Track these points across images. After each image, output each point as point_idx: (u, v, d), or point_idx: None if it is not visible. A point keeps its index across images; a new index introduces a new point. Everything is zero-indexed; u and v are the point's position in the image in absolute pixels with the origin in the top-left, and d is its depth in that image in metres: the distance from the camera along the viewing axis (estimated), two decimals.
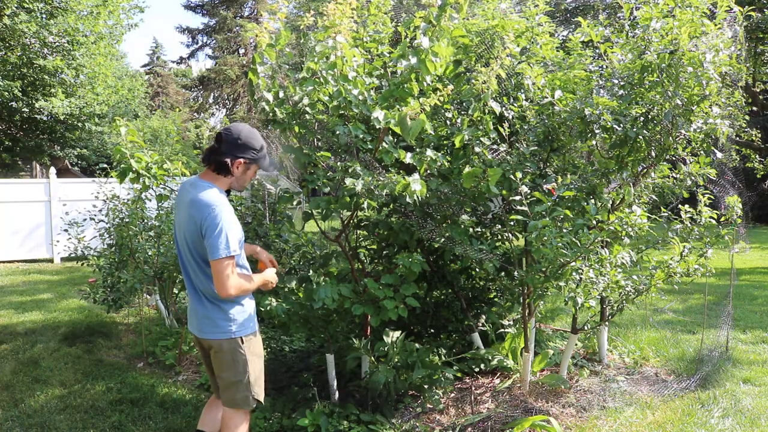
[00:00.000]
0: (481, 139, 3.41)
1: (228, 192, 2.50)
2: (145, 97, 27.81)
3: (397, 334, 3.77)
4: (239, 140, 2.40)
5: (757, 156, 14.75)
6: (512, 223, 3.63)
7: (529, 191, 3.26)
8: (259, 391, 2.55)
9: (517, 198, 3.28)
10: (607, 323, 4.45)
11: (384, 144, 3.07)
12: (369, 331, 3.78)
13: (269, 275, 2.65)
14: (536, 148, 3.60)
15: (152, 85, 37.99)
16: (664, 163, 3.88)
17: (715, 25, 3.37)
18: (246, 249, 2.84)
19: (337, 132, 3.01)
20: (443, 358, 4.02)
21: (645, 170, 3.71)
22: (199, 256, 2.40)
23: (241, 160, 2.42)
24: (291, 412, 3.52)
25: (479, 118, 3.41)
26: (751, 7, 3.93)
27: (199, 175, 2.51)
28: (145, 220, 5.02)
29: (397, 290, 3.46)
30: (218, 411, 2.70)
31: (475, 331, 4.34)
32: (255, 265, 2.83)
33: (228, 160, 2.39)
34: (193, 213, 2.35)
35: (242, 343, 2.46)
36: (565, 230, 3.15)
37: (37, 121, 14.67)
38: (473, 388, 3.95)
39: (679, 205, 3.84)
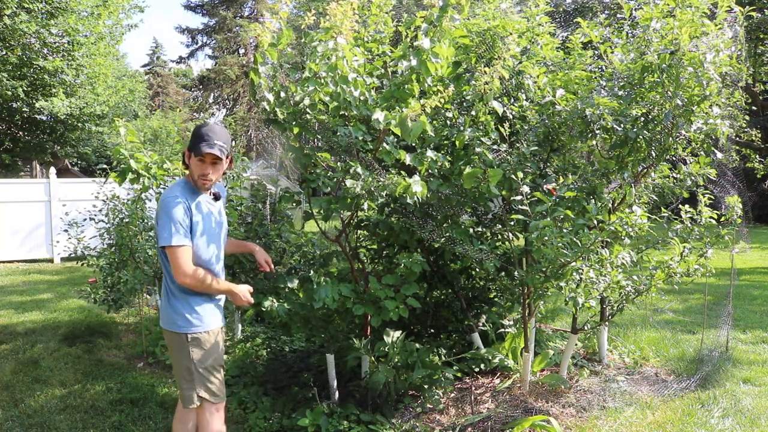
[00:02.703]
0: (482, 139, 3.41)
1: (217, 196, 2.66)
2: (145, 97, 27.82)
3: (398, 334, 3.77)
4: (191, 134, 2.60)
5: (757, 156, 14.76)
6: (512, 223, 3.64)
7: (529, 191, 3.26)
8: (204, 390, 2.57)
9: (518, 198, 3.28)
10: (607, 323, 4.45)
11: (384, 145, 3.07)
12: (369, 331, 3.78)
13: (240, 287, 2.66)
14: (536, 148, 3.60)
15: (152, 85, 38.00)
16: (665, 163, 3.88)
17: (716, 25, 3.36)
18: (241, 247, 3.02)
19: (338, 133, 3.01)
20: (443, 358, 4.02)
21: (645, 170, 3.71)
22: (159, 247, 2.53)
23: (187, 150, 2.57)
24: (291, 412, 3.52)
25: (481, 119, 3.41)
26: (751, 8, 3.93)
27: None
28: (145, 220, 5.02)
29: (398, 290, 3.46)
30: (190, 417, 2.73)
31: (475, 331, 4.34)
32: (253, 264, 2.86)
33: (184, 155, 2.59)
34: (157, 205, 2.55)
35: (188, 340, 2.52)
36: (565, 230, 3.15)
37: (37, 121, 14.67)
38: (473, 388, 3.95)
39: (680, 206, 3.84)
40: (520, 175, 3.30)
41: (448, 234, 3.57)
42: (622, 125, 3.34)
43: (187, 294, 2.53)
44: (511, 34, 3.55)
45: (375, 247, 4.28)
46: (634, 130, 3.35)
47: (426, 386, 3.67)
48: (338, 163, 3.15)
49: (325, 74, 2.86)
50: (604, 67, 3.85)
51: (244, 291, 2.67)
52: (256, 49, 2.86)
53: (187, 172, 2.60)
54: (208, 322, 2.58)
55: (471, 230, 3.94)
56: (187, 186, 2.55)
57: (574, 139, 3.59)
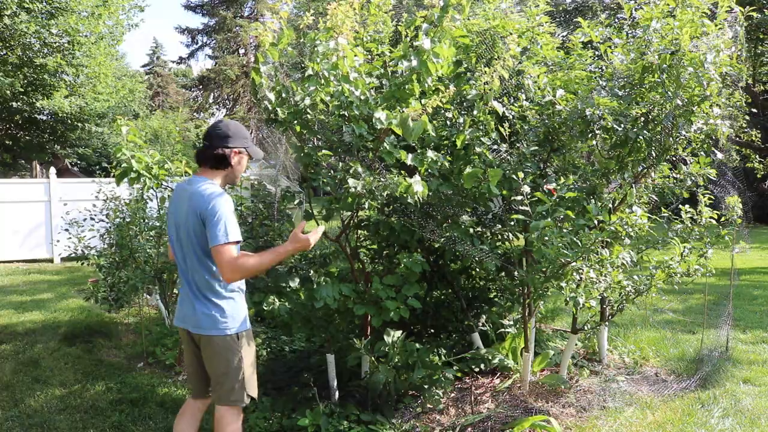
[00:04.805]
0: (482, 139, 3.41)
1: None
2: (145, 97, 27.82)
3: (398, 334, 3.77)
4: (230, 132, 2.52)
5: (757, 156, 14.77)
6: (512, 223, 3.64)
7: (530, 191, 3.26)
8: (252, 388, 2.59)
9: (519, 198, 3.28)
10: (607, 323, 4.45)
11: (385, 144, 3.07)
12: (369, 330, 3.78)
13: (303, 243, 2.48)
14: (536, 148, 3.60)
15: (152, 85, 37.99)
16: (665, 163, 3.88)
17: (716, 25, 3.37)
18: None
19: (343, 131, 3.01)
20: (443, 358, 4.02)
21: (645, 170, 3.71)
22: (201, 248, 2.44)
23: (236, 149, 2.51)
24: (291, 412, 3.51)
25: (481, 119, 3.41)
26: (751, 8, 3.93)
27: (194, 174, 2.59)
28: (146, 220, 5.02)
29: (399, 290, 3.46)
30: (193, 418, 2.70)
31: (475, 331, 4.34)
32: None
33: (225, 152, 2.48)
34: (194, 204, 2.41)
35: (238, 339, 2.51)
36: (565, 230, 3.15)
37: (37, 121, 14.67)
38: (473, 388, 3.95)
39: (680, 206, 3.84)
40: (521, 174, 3.30)
41: (448, 234, 3.57)
42: (622, 125, 3.34)
43: (233, 293, 2.52)
44: (511, 34, 3.55)
45: (375, 247, 4.28)
46: (634, 130, 3.35)
47: (426, 386, 3.66)
48: (339, 163, 3.15)
49: (327, 73, 2.87)
50: (604, 67, 3.85)
51: (302, 238, 2.48)
52: (257, 49, 2.88)
53: (217, 175, 2.52)
54: (247, 319, 2.60)
55: (471, 230, 3.94)
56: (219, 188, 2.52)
57: (574, 139, 3.59)
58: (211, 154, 2.48)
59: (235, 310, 2.52)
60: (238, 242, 2.38)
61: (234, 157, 2.50)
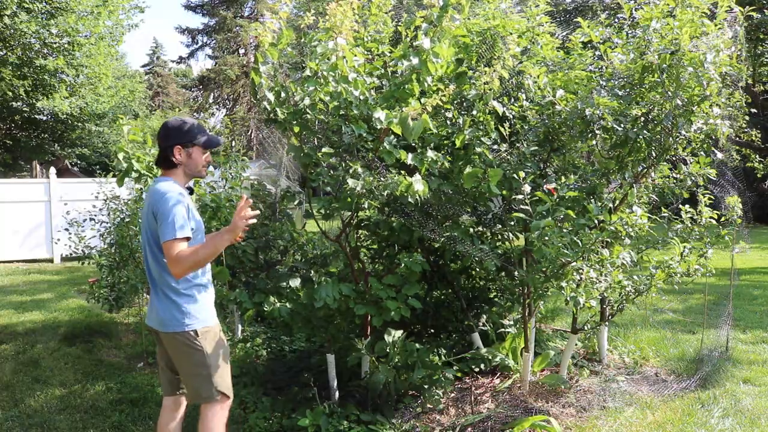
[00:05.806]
0: (482, 138, 3.41)
1: (191, 190, 2.66)
2: (145, 97, 27.81)
3: (398, 333, 3.77)
4: (170, 131, 2.57)
5: (757, 156, 14.77)
6: (512, 222, 3.64)
7: (530, 191, 3.26)
8: (221, 383, 2.57)
9: (520, 197, 3.28)
10: (607, 323, 4.45)
11: (385, 144, 3.07)
12: (370, 330, 3.78)
13: (232, 224, 2.44)
14: (537, 148, 3.60)
15: (152, 85, 38.01)
16: (665, 163, 3.88)
17: (716, 25, 3.37)
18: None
19: (343, 131, 3.01)
20: (443, 358, 4.02)
21: (645, 170, 3.71)
22: (156, 245, 2.48)
23: (179, 146, 2.55)
24: (291, 412, 3.52)
25: (481, 119, 3.41)
26: (751, 8, 3.93)
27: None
28: None
29: (399, 290, 3.46)
30: (171, 417, 2.70)
31: (475, 331, 4.34)
32: (253, 264, 2.82)
33: (168, 152, 2.55)
34: (150, 203, 2.48)
35: (197, 336, 2.50)
36: (565, 230, 3.15)
37: (37, 121, 14.67)
38: (473, 388, 3.95)
39: (680, 206, 3.84)
40: (522, 174, 3.30)
41: (448, 234, 3.57)
42: (622, 125, 3.34)
43: (191, 290, 2.52)
44: (511, 34, 3.55)
45: (375, 247, 4.28)
46: (634, 130, 3.35)
47: (426, 386, 3.66)
48: (339, 163, 3.15)
49: (326, 74, 2.87)
50: (604, 67, 3.85)
51: (236, 223, 2.42)
52: (257, 49, 2.87)
53: (173, 173, 2.55)
54: (210, 315, 2.60)
55: (471, 230, 3.94)
56: (177, 185, 2.53)
57: (574, 139, 3.59)
58: (159, 156, 2.58)
59: (193, 307, 2.51)
60: (187, 239, 2.39)
61: (179, 153, 2.54)
